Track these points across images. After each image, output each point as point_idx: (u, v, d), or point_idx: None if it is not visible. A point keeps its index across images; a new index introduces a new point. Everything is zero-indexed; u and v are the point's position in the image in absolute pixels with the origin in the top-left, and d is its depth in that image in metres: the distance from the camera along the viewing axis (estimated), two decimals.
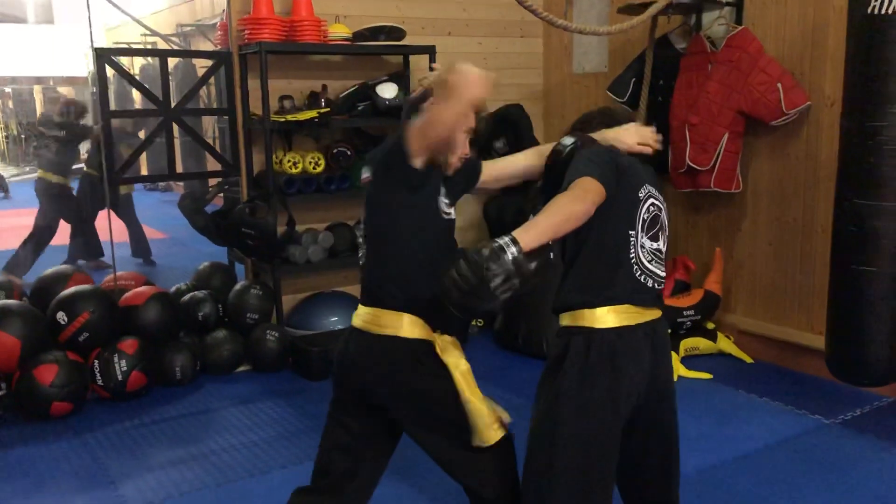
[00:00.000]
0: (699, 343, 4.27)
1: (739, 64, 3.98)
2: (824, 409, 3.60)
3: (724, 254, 4.40)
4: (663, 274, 1.97)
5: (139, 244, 6.69)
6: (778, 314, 4.22)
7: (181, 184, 7.38)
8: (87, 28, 4.28)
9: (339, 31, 4.47)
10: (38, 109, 10.60)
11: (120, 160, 4.48)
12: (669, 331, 2.12)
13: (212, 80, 4.79)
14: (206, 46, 6.38)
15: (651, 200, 1.94)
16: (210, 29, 6.28)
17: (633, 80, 4.47)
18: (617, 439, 1.89)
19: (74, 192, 6.45)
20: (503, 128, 5.02)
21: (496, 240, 1.63)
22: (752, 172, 4.26)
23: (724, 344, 4.32)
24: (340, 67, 4.71)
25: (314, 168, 4.48)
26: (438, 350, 1.92)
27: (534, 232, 1.66)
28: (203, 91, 5.28)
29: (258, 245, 4.21)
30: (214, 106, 5.69)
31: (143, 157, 4.97)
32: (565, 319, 1.91)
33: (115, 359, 3.74)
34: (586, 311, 1.87)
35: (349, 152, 4.54)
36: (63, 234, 6.34)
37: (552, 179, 1.93)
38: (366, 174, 2.00)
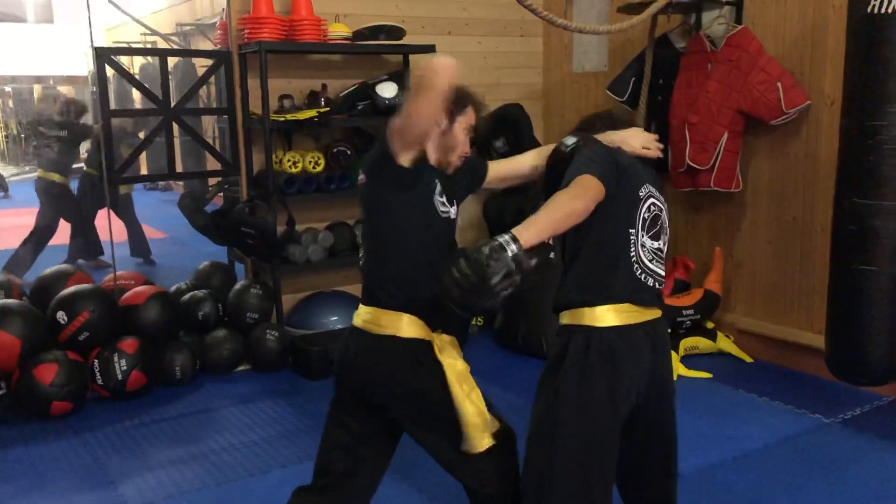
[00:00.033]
0: (699, 342, 4.27)
1: (739, 63, 3.98)
2: (824, 408, 3.60)
3: (724, 253, 4.40)
4: (664, 273, 1.97)
5: (138, 244, 6.69)
6: (777, 313, 4.22)
7: (181, 183, 7.39)
8: (86, 27, 4.28)
9: (338, 31, 4.47)
10: (38, 109, 10.60)
11: (120, 160, 4.48)
12: (669, 330, 2.12)
13: (211, 79, 4.80)
14: (206, 46, 6.39)
15: (652, 200, 1.94)
16: (210, 28, 6.28)
17: (633, 79, 4.47)
18: (616, 439, 1.89)
19: (74, 192, 6.46)
20: (503, 127, 5.02)
21: (496, 237, 1.63)
22: (751, 172, 4.26)
23: (724, 343, 4.32)
24: (340, 67, 4.70)
25: (314, 167, 4.48)
26: (436, 350, 1.92)
27: (534, 229, 1.67)
28: (203, 90, 5.28)
29: (258, 244, 4.21)
30: (214, 105, 5.69)
31: (143, 156, 4.97)
32: (565, 318, 1.92)
33: (115, 358, 3.74)
34: (586, 310, 1.87)
35: (349, 152, 4.54)
36: (63, 233, 6.34)
37: (554, 179, 1.94)
38: (361, 176, 2.01)
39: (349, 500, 2.04)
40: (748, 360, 4.26)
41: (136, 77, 5.46)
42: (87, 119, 6.65)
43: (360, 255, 2.06)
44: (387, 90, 4.46)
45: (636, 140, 2.03)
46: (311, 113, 4.30)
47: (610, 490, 1.91)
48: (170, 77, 4.36)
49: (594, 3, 5.05)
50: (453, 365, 1.91)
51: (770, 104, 3.92)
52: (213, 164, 4.59)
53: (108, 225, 4.49)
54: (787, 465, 3.08)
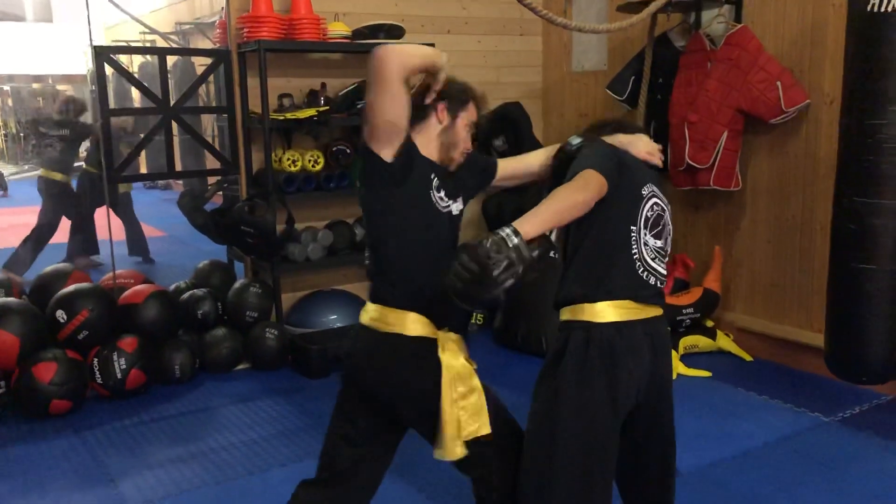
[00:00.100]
0: (698, 341, 4.27)
1: (739, 62, 3.98)
2: (823, 406, 3.60)
3: (724, 252, 4.40)
4: (665, 272, 1.98)
5: (136, 242, 6.69)
6: (777, 312, 4.23)
7: (180, 182, 7.40)
8: (86, 26, 4.28)
9: (338, 29, 4.47)
10: (37, 108, 10.61)
11: (119, 158, 4.48)
12: (669, 329, 2.13)
13: (211, 78, 4.79)
14: (205, 44, 6.39)
15: (654, 200, 1.95)
16: (209, 27, 6.29)
17: (633, 78, 4.47)
18: (616, 439, 1.89)
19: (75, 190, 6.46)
20: (502, 126, 5.02)
21: (497, 230, 1.64)
22: (751, 170, 4.27)
23: (724, 342, 4.32)
24: (340, 65, 4.70)
25: (313, 166, 4.48)
26: (440, 348, 1.92)
27: (535, 220, 1.67)
28: (202, 89, 5.28)
29: (257, 243, 4.21)
30: (213, 104, 5.70)
31: (143, 155, 4.97)
32: (566, 314, 1.92)
33: (115, 357, 3.74)
34: (586, 306, 1.87)
35: (348, 150, 4.54)
36: (63, 232, 6.34)
37: (558, 176, 1.95)
38: (357, 182, 2.02)
39: (353, 493, 2.05)
40: (748, 358, 4.26)
41: (136, 76, 5.46)
42: (87, 118, 6.65)
43: (366, 254, 2.06)
44: None
45: (642, 146, 2.05)
46: (311, 112, 4.30)
47: (609, 490, 1.90)
48: (169, 76, 4.36)
49: (593, 1, 5.04)
50: (452, 365, 1.91)
51: (770, 103, 3.92)
52: (212, 162, 4.59)
53: (107, 223, 4.49)
54: (787, 463, 3.08)
